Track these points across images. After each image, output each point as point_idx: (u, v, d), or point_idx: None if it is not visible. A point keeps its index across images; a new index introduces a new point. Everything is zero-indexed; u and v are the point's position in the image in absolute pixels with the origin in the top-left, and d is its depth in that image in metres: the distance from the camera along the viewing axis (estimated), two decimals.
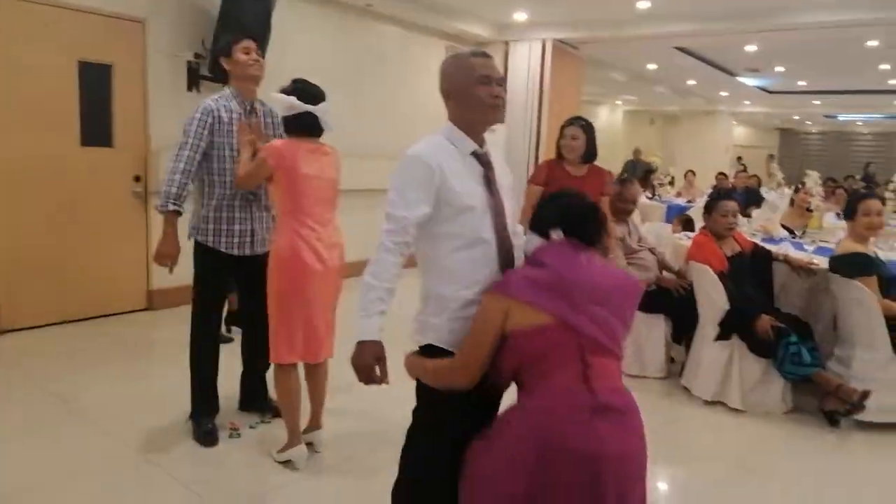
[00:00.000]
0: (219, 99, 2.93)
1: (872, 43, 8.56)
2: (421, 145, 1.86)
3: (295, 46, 5.81)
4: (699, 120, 17.58)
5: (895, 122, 19.67)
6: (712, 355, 3.67)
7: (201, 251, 2.94)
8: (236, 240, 2.94)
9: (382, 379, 1.75)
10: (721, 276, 3.64)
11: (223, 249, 2.92)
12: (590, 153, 3.66)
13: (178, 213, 2.84)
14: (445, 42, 7.60)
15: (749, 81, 12.81)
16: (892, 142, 21.82)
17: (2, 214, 4.32)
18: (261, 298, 2.86)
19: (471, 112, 1.89)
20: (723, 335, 3.61)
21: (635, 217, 4.63)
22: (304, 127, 2.69)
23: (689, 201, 9.21)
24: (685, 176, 10.93)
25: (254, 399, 3.25)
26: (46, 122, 4.46)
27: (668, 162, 14.84)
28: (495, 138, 7.53)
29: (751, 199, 8.80)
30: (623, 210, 4.12)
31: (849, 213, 3.55)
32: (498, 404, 1.98)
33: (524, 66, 7.77)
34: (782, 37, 8.39)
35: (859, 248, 3.46)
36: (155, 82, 4.99)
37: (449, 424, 1.89)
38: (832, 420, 3.45)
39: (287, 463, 2.77)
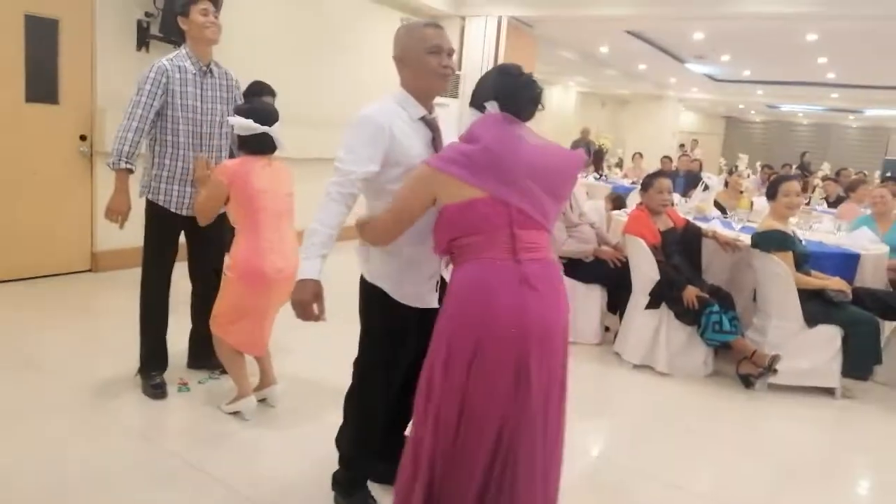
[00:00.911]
0: (173, 59, 2.95)
1: (812, 37, 8.97)
2: (373, 107, 1.98)
3: (247, 13, 5.76)
4: (648, 104, 18.01)
5: (832, 115, 20.58)
6: (642, 322, 3.91)
7: (152, 210, 2.99)
8: (187, 200, 2.99)
9: (319, 315, 1.88)
10: (653, 248, 3.88)
11: (173, 209, 2.98)
12: None
13: (130, 171, 2.88)
14: (401, 13, 7.63)
15: (696, 68, 13.22)
16: (829, 133, 22.85)
17: None
18: (211, 259, 2.93)
19: (421, 79, 2.01)
20: (652, 304, 3.86)
21: (579, 192, 4.83)
22: (260, 146, 2.78)
23: (633, 182, 9.52)
24: (633, 158, 11.28)
25: (203, 356, 3.30)
26: None
27: (617, 144, 15.24)
28: (449, 111, 7.64)
29: (691, 182, 9.19)
30: None
31: (771, 194, 3.81)
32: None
33: (479, 40, 7.87)
34: (727, 26, 8.71)
35: (779, 225, 3.73)
36: (103, 40, 4.90)
37: (391, 353, 2.07)
38: (747, 383, 3.75)
39: (236, 414, 2.88)
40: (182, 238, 3.13)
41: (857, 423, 3.55)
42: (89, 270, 5.02)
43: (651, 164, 12.01)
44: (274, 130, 2.79)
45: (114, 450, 2.56)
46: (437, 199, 1.81)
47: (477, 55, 7.89)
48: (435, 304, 2.10)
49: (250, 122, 2.72)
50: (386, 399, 2.12)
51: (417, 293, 2.05)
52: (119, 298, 4.34)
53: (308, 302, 1.83)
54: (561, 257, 4.31)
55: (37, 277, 4.71)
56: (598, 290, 4.31)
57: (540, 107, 1.90)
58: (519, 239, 1.75)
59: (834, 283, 3.70)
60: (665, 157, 11.01)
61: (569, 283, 4.29)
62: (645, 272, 3.90)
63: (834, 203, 8.09)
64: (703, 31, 9.49)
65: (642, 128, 17.88)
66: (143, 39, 5.11)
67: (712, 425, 3.34)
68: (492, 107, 1.82)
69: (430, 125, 2.04)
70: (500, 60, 7.87)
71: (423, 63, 1.99)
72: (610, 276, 4.25)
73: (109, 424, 2.75)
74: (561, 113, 18.53)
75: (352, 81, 7.02)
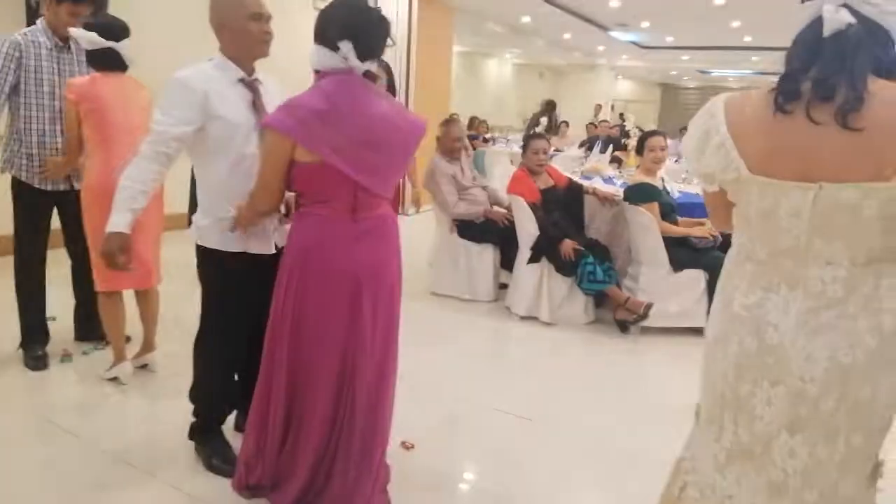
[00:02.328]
0: (27, 33, 2.95)
1: (719, 1, 9.26)
2: (188, 70, 2.08)
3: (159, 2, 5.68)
4: (582, 74, 18.28)
5: (760, 78, 21.19)
6: (526, 276, 4.13)
7: (18, 186, 3.02)
8: None
9: (125, 265, 2.01)
10: (533, 206, 4.08)
11: (37, 185, 3.01)
12: (391, 90, 3.81)
13: None
14: None
15: (621, 36, 13.45)
16: None
17: None
18: (83, 231, 2.99)
19: (242, 44, 2.12)
20: (533, 258, 4.07)
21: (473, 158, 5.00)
22: (107, 62, 2.80)
23: (556, 150, 9.74)
24: (559, 127, 11.53)
25: (88, 329, 3.36)
26: None
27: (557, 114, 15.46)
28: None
29: (609, 145, 9.48)
30: (451, 149, 4.46)
31: (639, 150, 4.04)
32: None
33: (392, 13, 7.89)
34: None
35: (647, 179, 3.97)
36: None
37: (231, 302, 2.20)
38: (623, 327, 4.01)
39: (114, 380, 2.97)
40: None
41: None
42: None
43: (579, 132, 12.28)
44: (122, 46, 2.79)
45: None
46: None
47: (391, 28, 7.92)
48: (271, 250, 2.20)
49: (93, 35, 2.72)
50: (230, 347, 2.26)
51: (256, 239, 2.15)
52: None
53: (114, 253, 1.96)
54: (453, 219, 4.49)
55: None
56: (490, 250, 4.49)
57: (390, 41, 1.91)
58: (360, 201, 1.89)
59: (698, 231, 3.95)
60: (590, 123, 11.30)
61: (462, 243, 4.49)
62: (527, 229, 4.10)
63: None
64: None
65: (580, 97, 18.08)
66: (33, 19, 5.03)
67: (592, 365, 3.58)
68: (345, 46, 1.80)
69: (250, 87, 2.15)
70: (415, 31, 7.92)
71: (245, 29, 2.10)
72: (501, 236, 4.44)
73: None
74: (498, 85, 18.70)
75: (267, 69, 6.97)
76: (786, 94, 1.22)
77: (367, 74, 1.91)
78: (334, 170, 1.81)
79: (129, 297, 3.07)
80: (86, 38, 2.73)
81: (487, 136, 10.99)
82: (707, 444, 1.39)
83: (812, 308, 1.21)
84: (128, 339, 3.21)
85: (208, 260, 2.17)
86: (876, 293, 1.19)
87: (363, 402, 1.97)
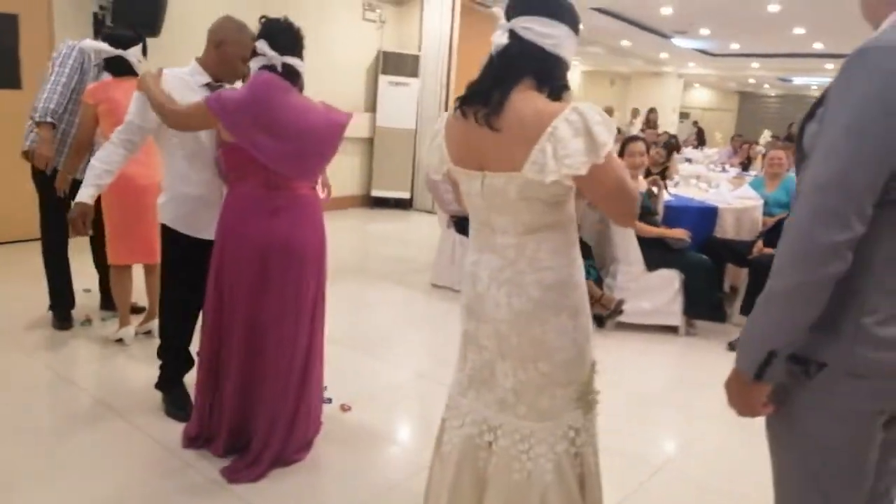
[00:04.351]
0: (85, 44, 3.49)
1: (774, 7, 9.05)
2: (165, 72, 2.47)
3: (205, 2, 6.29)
4: (648, 81, 18.06)
5: None
6: None
7: (37, 174, 3.54)
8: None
9: (85, 231, 2.44)
10: None
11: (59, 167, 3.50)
12: None
13: (54, 127, 3.36)
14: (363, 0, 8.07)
15: (684, 44, 13.28)
16: None
17: None
18: (100, 216, 3.47)
19: (223, 70, 2.53)
20: None
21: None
22: (117, 68, 3.26)
23: None
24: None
25: (109, 300, 3.86)
26: None
27: (622, 121, 15.39)
28: (411, 89, 8.00)
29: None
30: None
31: (619, 154, 4.18)
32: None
33: (436, 22, 8.25)
34: None
35: None
36: (61, 31, 5.50)
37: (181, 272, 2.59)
38: (598, 322, 4.16)
39: (119, 341, 3.45)
40: None
41: (693, 356, 3.94)
42: None
43: None
44: (129, 54, 3.18)
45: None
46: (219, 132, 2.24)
47: (435, 36, 8.27)
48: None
49: (103, 45, 3.18)
50: (186, 312, 2.65)
51: (206, 228, 2.53)
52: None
53: (76, 219, 2.39)
54: (450, 216, 4.78)
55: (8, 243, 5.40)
56: None
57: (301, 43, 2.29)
58: (272, 180, 2.23)
59: (673, 233, 4.07)
60: (641, 130, 11.27)
61: (458, 238, 4.77)
62: None
63: None
64: (671, 6, 9.66)
65: (648, 104, 17.90)
66: (99, 29, 5.71)
67: None
68: (261, 43, 2.21)
69: (213, 89, 2.52)
70: (456, 40, 8.25)
71: (234, 63, 2.51)
72: None
73: (18, 353, 3.32)
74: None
75: (311, 70, 7.48)
76: (463, 102, 1.51)
77: (290, 73, 2.25)
78: (245, 151, 2.15)
79: (137, 274, 3.55)
80: (95, 48, 3.22)
81: None
82: (456, 374, 1.70)
83: (498, 266, 1.53)
84: (142, 309, 3.70)
85: (165, 236, 2.57)
86: (537, 255, 1.49)
87: (271, 357, 2.28)
